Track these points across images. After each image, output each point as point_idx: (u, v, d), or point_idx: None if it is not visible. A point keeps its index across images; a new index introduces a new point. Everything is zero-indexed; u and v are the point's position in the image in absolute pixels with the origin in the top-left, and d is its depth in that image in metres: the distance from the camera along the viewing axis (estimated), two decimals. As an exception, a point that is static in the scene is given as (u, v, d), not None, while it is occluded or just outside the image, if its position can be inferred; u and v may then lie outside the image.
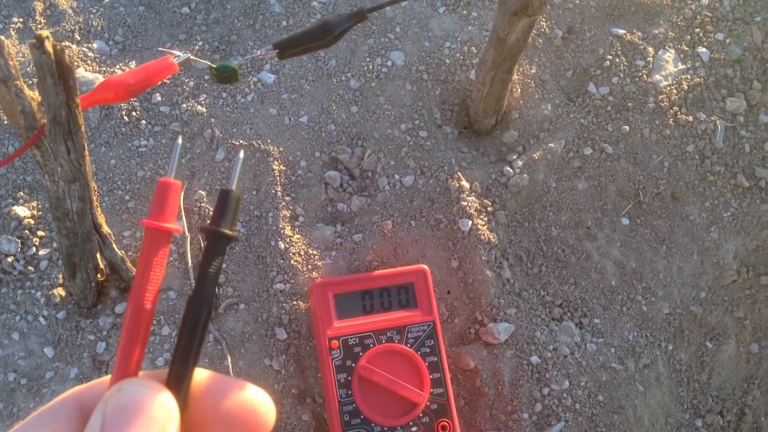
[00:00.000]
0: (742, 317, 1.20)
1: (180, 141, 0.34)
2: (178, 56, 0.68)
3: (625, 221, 1.16)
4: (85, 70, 1.12)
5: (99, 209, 0.90)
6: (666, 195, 1.18)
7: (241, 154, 0.34)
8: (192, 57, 0.70)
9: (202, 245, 1.04)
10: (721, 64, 1.24)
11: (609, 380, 1.09)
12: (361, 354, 0.95)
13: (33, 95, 0.65)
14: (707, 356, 1.18)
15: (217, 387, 0.28)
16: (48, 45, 0.57)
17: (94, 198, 0.86)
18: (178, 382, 0.28)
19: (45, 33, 0.56)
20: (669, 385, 1.15)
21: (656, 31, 1.25)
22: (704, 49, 1.24)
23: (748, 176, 1.20)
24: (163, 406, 0.26)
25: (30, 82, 1.04)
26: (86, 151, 0.74)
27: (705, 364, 1.18)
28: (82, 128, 0.69)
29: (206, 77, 1.14)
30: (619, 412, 1.09)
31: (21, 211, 1.04)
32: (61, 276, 1.02)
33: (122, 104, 1.10)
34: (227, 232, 0.30)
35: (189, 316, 0.29)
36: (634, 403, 1.10)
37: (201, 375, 0.29)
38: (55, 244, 1.03)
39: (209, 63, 0.72)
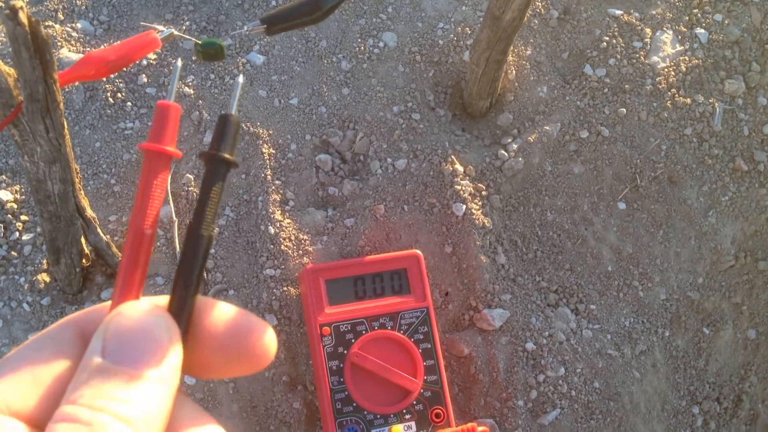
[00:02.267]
0: (739, 303, 1.18)
1: (179, 63, 0.33)
2: (162, 31, 0.66)
3: (622, 205, 1.15)
4: (69, 51, 1.09)
5: (82, 192, 0.87)
6: (663, 179, 1.16)
7: (240, 79, 0.33)
8: (176, 32, 0.67)
9: (189, 214, 1.02)
10: (720, 45, 1.22)
11: (605, 367, 1.08)
12: (353, 341, 0.93)
13: (9, 71, 0.63)
14: (704, 342, 1.16)
15: (219, 315, 0.27)
16: (22, 16, 0.54)
17: (77, 180, 0.83)
18: (179, 307, 0.27)
19: (19, 3, 0.53)
20: (665, 371, 1.13)
21: (654, 12, 1.23)
22: (702, 30, 1.22)
23: (746, 160, 1.18)
24: (165, 329, 0.25)
25: (10, 62, 1.01)
26: (66, 131, 0.71)
27: (702, 351, 1.16)
28: (61, 105, 0.67)
29: (193, 58, 1.11)
30: (615, 399, 1.07)
31: (3, 195, 1.01)
32: (45, 261, 0.99)
33: (107, 86, 1.08)
34: (227, 156, 0.29)
35: (190, 241, 0.28)
36: (631, 390, 1.09)
37: (203, 302, 0.27)
38: (38, 229, 1.00)
39: (194, 39, 0.69)
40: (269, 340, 0.27)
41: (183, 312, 0.27)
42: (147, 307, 0.25)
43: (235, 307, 0.27)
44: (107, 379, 0.22)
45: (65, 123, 0.71)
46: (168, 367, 0.24)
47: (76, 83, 1.07)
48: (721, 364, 1.18)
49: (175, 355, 0.24)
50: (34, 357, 0.24)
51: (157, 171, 0.28)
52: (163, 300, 0.27)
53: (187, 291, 0.27)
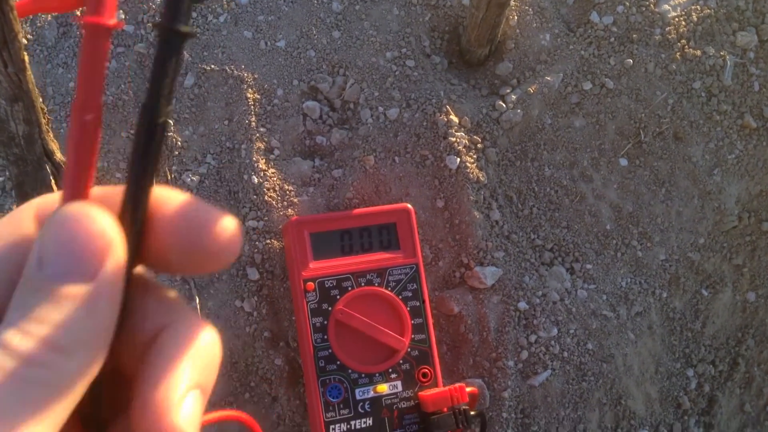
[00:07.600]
0: (740, 264, 1.15)
1: None
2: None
3: (624, 162, 1.09)
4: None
5: (50, 134, 0.81)
6: (668, 135, 1.10)
7: None
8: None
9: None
10: (734, -6, 1.15)
11: (599, 328, 1.04)
12: (338, 297, 0.89)
13: (-43, -4, 0.57)
14: (702, 304, 1.13)
15: (173, 206, 0.25)
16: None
17: (43, 121, 0.77)
18: (133, 202, 0.25)
19: None
20: (661, 333, 1.10)
21: (665, -43, 1.16)
22: (716, -22, 1.15)
23: (755, 116, 1.12)
24: (101, 236, 0.23)
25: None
26: (27, 66, 0.65)
27: (699, 313, 1.13)
28: (20, 36, 0.61)
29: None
30: (608, 361, 1.04)
31: (-29, 136, 0.95)
32: (14, 207, 0.94)
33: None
34: (184, 29, 0.24)
35: (143, 126, 0.25)
36: (625, 351, 1.05)
37: (159, 194, 0.25)
38: (7, 173, 0.95)
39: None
40: (228, 229, 0.25)
41: (138, 205, 0.24)
42: (85, 212, 0.23)
43: (193, 197, 0.25)
44: (36, 298, 0.22)
45: (26, 57, 0.66)
46: (103, 280, 0.22)
47: (49, 17, 1.00)
48: (718, 326, 1.15)
49: (112, 262, 0.23)
50: None
51: (97, 47, 0.24)
52: (119, 191, 0.25)
53: (139, 185, 0.25)
